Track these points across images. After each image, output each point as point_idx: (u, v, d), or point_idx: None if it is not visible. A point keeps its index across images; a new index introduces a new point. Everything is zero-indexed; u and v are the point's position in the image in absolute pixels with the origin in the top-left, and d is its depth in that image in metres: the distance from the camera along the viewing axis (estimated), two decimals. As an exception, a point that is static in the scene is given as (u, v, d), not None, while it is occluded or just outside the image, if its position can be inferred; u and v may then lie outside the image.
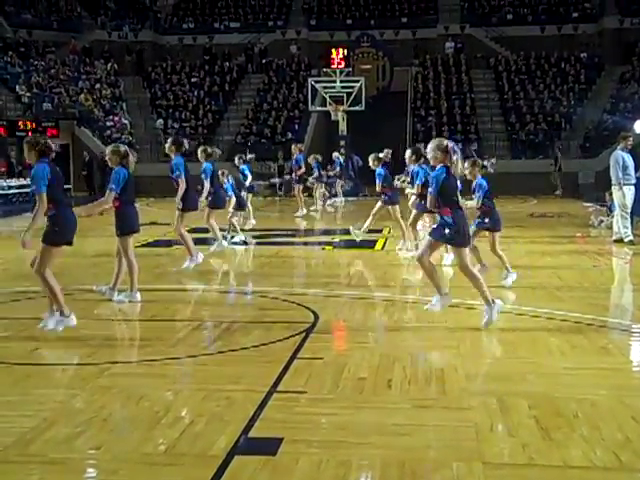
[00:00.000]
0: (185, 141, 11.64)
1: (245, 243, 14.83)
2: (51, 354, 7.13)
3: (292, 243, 15.97)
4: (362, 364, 6.61)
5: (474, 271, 8.03)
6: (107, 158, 9.46)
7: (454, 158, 7.56)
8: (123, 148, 9.43)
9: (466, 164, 9.40)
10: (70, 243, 7.77)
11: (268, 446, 4.80)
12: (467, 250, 8.05)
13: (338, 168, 24.85)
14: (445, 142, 7.70)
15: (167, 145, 11.34)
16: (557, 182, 30.64)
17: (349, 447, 4.81)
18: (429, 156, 7.77)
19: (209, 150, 13.28)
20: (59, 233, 7.60)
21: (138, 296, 9.40)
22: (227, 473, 4.43)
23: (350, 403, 5.63)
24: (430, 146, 7.70)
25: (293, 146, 21.52)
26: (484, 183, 9.96)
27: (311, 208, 22.44)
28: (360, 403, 5.63)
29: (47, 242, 7.58)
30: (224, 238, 13.98)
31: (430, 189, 7.68)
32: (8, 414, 5.43)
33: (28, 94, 33.74)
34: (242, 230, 15.51)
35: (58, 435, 5.05)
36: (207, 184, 12.94)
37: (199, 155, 13.22)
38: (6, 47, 36.57)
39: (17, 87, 33.89)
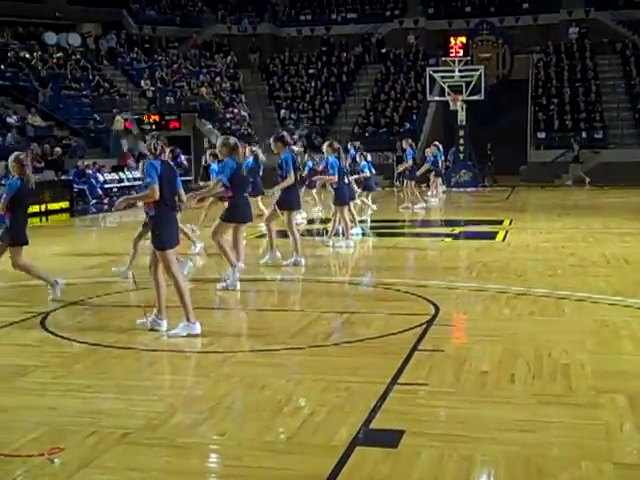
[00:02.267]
0: (285, 134, 11.62)
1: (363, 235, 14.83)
2: (175, 342, 7.30)
3: (411, 234, 15.86)
4: (484, 357, 6.50)
5: None
6: (217, 150, 9.62)
7: None
8: (233, 140, 9.56)
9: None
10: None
11: (389, 438, 4.78)
12: None
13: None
14: None
15: (272, 143, 11.36)
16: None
17: (471, 441, 4.73)
18: None
19: (335, 144, 13.25)
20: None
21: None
22: (348, 464, 4.43)
23: (472, 397, 5.54)
24: None
25: (404, 141, 21.31)
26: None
27: (429, 199, 22.20)
28: (482, 397, 5.53)
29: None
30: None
31: None
32: (136, 398, 5.61)
33: (152, 88, 34.75)
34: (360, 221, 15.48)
35: (184, 420, 5.18)
36: (335, 179, 12.95)
37: (324, 149, 13.25)
38: (132, 43, 37.79)
39: (142, 82, 34.98)
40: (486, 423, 5.02)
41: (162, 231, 7.45)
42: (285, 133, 11.71)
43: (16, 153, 9.28)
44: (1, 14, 33.52)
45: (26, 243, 9.27)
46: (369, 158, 17.35)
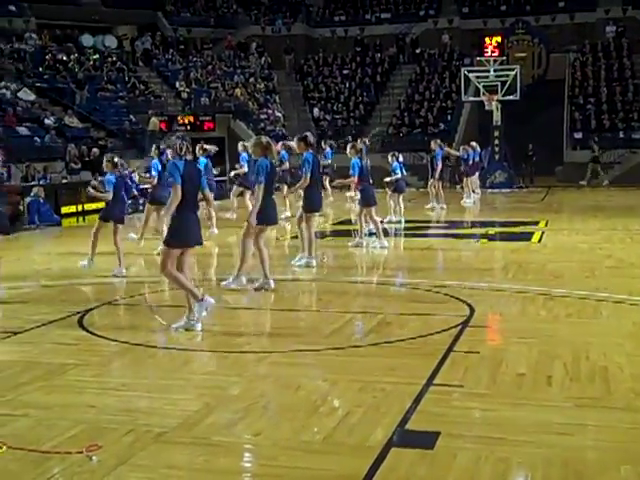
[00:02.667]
0: (309, 134, 11.63)
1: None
2: (210, 341, 7.35)
3: (445, 235, 15.79)
4: (520, 359, 6.45)
5: None
6: (250, 150, 9.65)
7: None
8: (265, 139, 9.58)
9: None
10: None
11: (425, 439, 4.76)
12: None
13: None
14: None
15: (295, 143, 11.37)
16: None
17: (508, 444, 4.70)
18: None
19: (358, 146, 13.23)
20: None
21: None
22: (384, 465, 4.42)
23: (508, 399, 5.50)
24: None
25: (433, 142, 21.21)
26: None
27: (464, 200, 22.07)
28: (518, 399, 5.49)
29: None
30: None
31: None
32: (172, 397, 5.65)
33: (187, 90, 34.95)
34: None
35: (220, 420, 5.20)
36: (355, 180, 12.91)
37: (348, 151, 13.22)
38: (167, 45, 38.04)
39: (177, 83, 35.19)
40: (523, 426, 4.97)
41: (176, 229, 7.51)
42: (309, 133, 11.69)
43: None
44: (39, 17, 33.96)
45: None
46: (401, 159, 17.26)
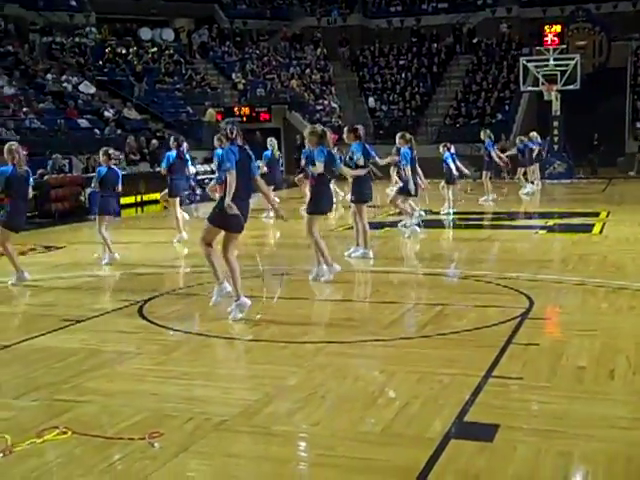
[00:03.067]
0: (360, 127, 11.60)
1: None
2: (269, 331, 7.39)
3: (504, 227, 15.62)
4: (581, 352, 6.36)
5: None
6: (306, 140, 9.67)
7: None
8: (320, 128, 9.57)
9: None
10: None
11: (484, 432, 4.73)
12: None
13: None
14: None
15: (345, 134, 11.38)
16: None
17: (569, 437, 4.64)
18: None
19: (407, 135, 13.16)
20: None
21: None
22: (443, 456, 4.40)
23: (569, 392, 5.43)
24: None
25: (482, 132, 20.94)
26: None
27: (523, 190, 21.77)
28: (580, 393, 5.42)
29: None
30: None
31: None
32: (232, 386, 5.71)
33: (243, 81, 35.18)
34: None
35: (279, 409, 5.24)
36: (408, 170, 12.84)
37: (397, 140, 13.15)
38: (223, 37, 38.32)
39: (233, 75, 35.45)
40: (584, 419, 4.91)
41: (220, 210, 7.57)
42: (360, 126, 11.66)
43: (10, 143, 9.89)
44: (99, 12, 34.49)
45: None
46: (452, 150, 17.11)
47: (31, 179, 10.06)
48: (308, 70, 37.93)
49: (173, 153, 13.88)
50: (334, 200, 10.83)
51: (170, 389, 5.66)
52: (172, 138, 14.65)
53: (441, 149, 17.02)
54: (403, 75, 37.60)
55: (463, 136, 28.81)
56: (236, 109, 32.13)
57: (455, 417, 4.97)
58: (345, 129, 11.53)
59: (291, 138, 33.02)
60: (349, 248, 11.40)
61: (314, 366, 6.19)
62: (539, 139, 23.78)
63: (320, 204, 9.64)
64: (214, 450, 4.58)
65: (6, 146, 9.74)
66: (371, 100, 36.14)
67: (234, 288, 7.70)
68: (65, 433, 4.77)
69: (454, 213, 16.77)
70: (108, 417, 5.10)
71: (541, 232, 14.20)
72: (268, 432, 4.82)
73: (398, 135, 13.33)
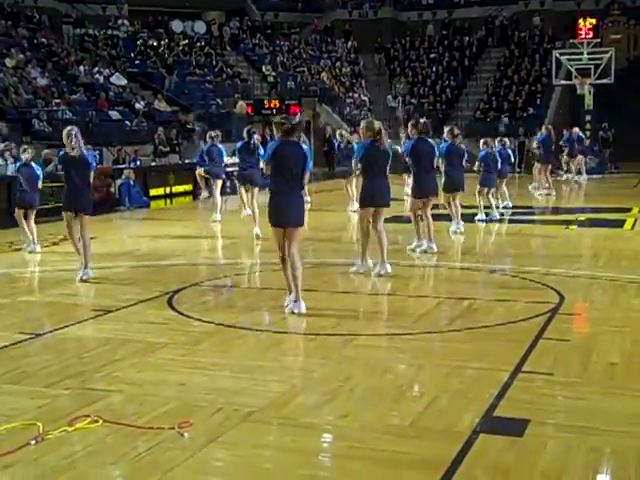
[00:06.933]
0: (422, 121, 11.54)
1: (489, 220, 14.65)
2: (297, 323, 7.40)
3: (534, 221, 15.49)
4: (612, 348, 6.30)
5: None
6: (360, 132, 9.66)
7: None
8: (377, 125, 9.50)
9: None
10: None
11: (514, 426, 4.70)
12: None
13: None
14: None
15: (408, 127, 11.35)
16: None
17: (600, 434, 4.60)
18: None
19: (455, 130, 13.04)
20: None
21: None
22: (473, 450, 4.38)
23: (600, 388, 5.39)
24: None
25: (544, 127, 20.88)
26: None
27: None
28: (611, 389, 5.37)
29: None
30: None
31: None
32: (261, 378, 5.72)
33: (273, 74, 35.22)
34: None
35: (307, 401, 5.25)
36: (442, 166, 12.75)
37: (444, 134, 13.04)
38: (254, 30, 38.35)
39: (263, 67, 35.49)
40: (616, 416, 4.86)
41: (269, 207, 7.68)
42: (422, 120, 11.61)
43: (68, 127, 9.79)
44: (131, 4, 34.66)
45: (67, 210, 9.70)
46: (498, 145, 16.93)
47: (93, 163, 9.97)
48: (338, 63, 37.86)
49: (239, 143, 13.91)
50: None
51: (199, 380, 5.69)
52: (246, 128, 14.41)
53: (481, 145, 16.67)
54: (434, 68, 37.41)
55: (493, 130, 28.56)
56: (266, 101, 32.14)
57: (484, 411, 4.95)
58: (409, 124, 11.48)
59: (320, 131, 33.00)
60: (412, 243, 11.34)
61: (342, 358, 6.18)
62: (578, 134, 23.98)
63: (371, 197, 9.55)
64: (243, 441, 4.60)
65: (64, 130, 9.78)
66: (399, 88, 35.76)
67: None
68: (96, 422, 4.81)
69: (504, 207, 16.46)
70: (138, 406, 5.13)
71: (572, 227, 14.07)
72: (296, 424, 4.83)
73: (446, 129, 13.10)
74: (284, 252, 7.63)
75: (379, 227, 9.52)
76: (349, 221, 15.36)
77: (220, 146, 15.74)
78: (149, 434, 4.65)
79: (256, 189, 13.41)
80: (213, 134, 15.91)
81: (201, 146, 19.37)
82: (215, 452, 4.46)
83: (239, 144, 13.87)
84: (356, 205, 16.30)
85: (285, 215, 7.64)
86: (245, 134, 13.88)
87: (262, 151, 12.00)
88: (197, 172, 17.32)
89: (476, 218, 14.58)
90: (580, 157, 24.55)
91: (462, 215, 13.19)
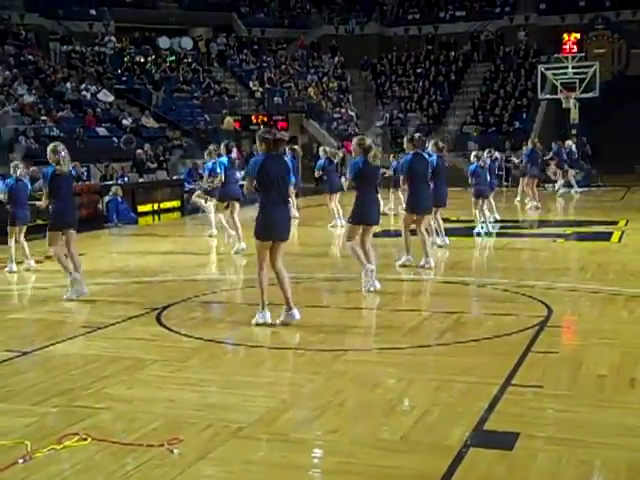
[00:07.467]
0: (417, 136, 11.56)
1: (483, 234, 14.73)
2: (286, 339, 7.40)
3: (521, 235, 15.55)
4: (601, 361, 6.32)
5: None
6: (352, 149, 9.73)
7: None
8: (368, 142, 9.52)
9: None
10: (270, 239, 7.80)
11: (504, 440, 4.70)
12: None
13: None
14: None
15: (405, 143, 11.35)
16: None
17: (590, 446, 4.61)
18: None
19: (440, 144, 13.06)
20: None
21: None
22: (463, 464, 4.38)
23: (589, 401, 5.40)
24: None
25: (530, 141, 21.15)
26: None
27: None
28: (600, 402, 5.38)
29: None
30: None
31: None
32: (250, 394, 5.70)
33: (261, 89, 35.30)
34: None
35: (297, 416, 5.24)
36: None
37: (430, 148, 13.02)
38: (241, 45, 38.46)
39: (251, 83, 35.57)
40: (605, 428, 4.87)
41: (258, 222, 7.73)
42: (417, 135, 11.62)
43: (53, 143, 9.76)
44: (118, 20, 34.73)
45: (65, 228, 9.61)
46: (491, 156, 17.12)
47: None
48: (325, 78, 38.00)
49: (224, 159, 13.72)
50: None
51: (188, 396, 5.67)
52: (222, 144, 14.21)
53: (472, 158, 16.66)
54: (420, 83, 37.60)
55: (481, 145, 28.71)
56: (253, 117, 32.21)
57: (474, 425, 4.95)
58: (405, 139, 11.49)
59: (308, 146, 33.05)
60: (402, 258, 11.29)
61: (332, 373, 6.18)
62: (573, 147, 24.43)
63: (363, 214, 9.51)
64: (232, 457, 4.58)
65: (49, 146, 9.70)
66: (384, 116, 35.66)
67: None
68: (85, 439, 4.78)
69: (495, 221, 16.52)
70: (127, 423, 5.11)
71: (559, 240, 14.13)
72: (286, 439, 4.82)
73: (430, 143, 13.02)
74: (267, 266, 7.72)
75: (367, 245, 9.53)
76: (336, 237, 15.36)
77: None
78: (138, 451, 4.63)
79: (237, 204, 13.38)
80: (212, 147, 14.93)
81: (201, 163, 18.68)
82: (205, 469, 4.44)
83: (224, 160, 13.70)
84: (339, 221, 16.36)
85: (274, 229, 7.69)
86: (223, 149, 13.84)
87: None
88: (195, 196, 17.01)
89: (474, 231, 14.64)
90: (570, 170, 24.86)
91: (448, 229, 13.22)
